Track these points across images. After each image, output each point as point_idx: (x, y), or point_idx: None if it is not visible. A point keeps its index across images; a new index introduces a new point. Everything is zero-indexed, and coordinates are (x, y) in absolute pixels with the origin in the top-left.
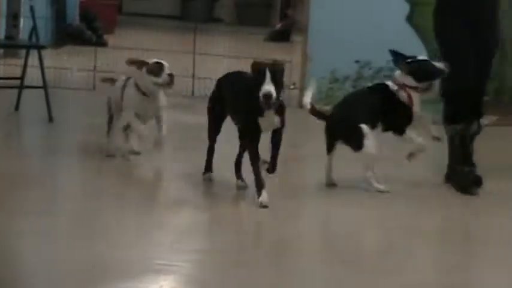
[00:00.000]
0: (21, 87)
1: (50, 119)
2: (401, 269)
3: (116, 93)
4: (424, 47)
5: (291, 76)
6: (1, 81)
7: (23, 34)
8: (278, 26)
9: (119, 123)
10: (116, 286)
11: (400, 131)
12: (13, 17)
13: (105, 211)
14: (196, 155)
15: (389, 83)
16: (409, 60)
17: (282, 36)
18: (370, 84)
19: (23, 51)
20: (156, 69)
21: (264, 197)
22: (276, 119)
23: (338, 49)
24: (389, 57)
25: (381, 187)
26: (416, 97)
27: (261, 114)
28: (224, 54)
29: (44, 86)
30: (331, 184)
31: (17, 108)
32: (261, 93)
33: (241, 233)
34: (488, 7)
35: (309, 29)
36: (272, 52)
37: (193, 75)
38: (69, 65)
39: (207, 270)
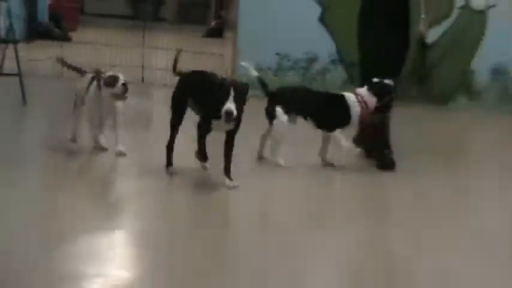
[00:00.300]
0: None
1: (24, 102)
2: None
3: (83, 87)
4: (334, 43)
5: (223, 66)
6: None
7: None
8: (213, 24)
9: (80, 115)
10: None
11: (330, 129)
12: None
13: (66, 191)
14: (148, 137)
15: (346, 93)
16: (376, 81)
17: (216, 33)
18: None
19: (1, 45)
20: (112, 81)
21: (206, 165)
22: (229, 124)
23: (262, 44)
24: (305, 50)
25: (280, 161)
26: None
27: (217, 118)
28: (168, 48)
29: (19, 74)
30: (260, 157)
31: None
32: (223, 110)
33: (180, 215)
34: (401, 11)
35: (238, 27)
36: (208, 47)
37: (142, 66)
38: (40, 56)
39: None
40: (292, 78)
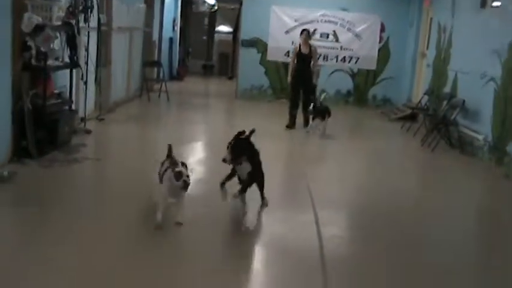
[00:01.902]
0: (160, 92)
1: (168, 99)
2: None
3: (162, 169)
4: (269, 81)
5: (233, 88)
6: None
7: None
8: (229, 74)
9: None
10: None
11: (323, 119)
12: (157, 66)
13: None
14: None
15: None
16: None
17: (231, 78)
18: (321, 104)
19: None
20: (178, 176)
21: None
22: (246, 167)
23: (246, 80)
24: (260, 83)
25: (309, 131)
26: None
27: (238, 165)
28: (215, 84)
29: (166, 91)
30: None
31: (159, 97)
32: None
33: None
34: (309, 72)
35: (239, 75)
36: (228, 82)
37: (207, 88)
38: (173, 86)
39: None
40: (255, 93)
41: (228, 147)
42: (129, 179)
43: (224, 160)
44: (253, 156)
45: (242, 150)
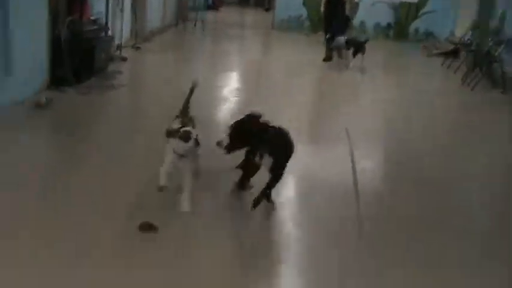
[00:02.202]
0: (195, 22)
1: (203, 29)
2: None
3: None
4: (306, 12)
5: (269, 20)
6: None
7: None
8: (266, 6)
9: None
10: None
11: (364, 52)
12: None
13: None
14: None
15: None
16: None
17: (268, 10)
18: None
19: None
20: (186, 136)
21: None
22: (266, 162)
23: (284, 12)
24: (298, 13)
25: (348, 65)
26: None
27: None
28: (251, 15)
29: (202, 21)
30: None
31: (194, 26)
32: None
33: None
34: (342, 1)
35: (276, 7)
36: (264, 14)
37: (242, 19)
38: (209, 16)
39: None
40: (293, 24)
41: (229, 129)
42: (163, 108)
43: (218, 144)
44: (272, 147)
45: (250, 141)
